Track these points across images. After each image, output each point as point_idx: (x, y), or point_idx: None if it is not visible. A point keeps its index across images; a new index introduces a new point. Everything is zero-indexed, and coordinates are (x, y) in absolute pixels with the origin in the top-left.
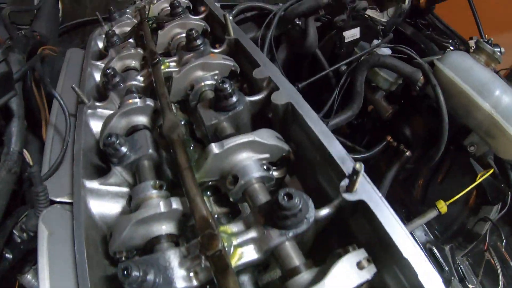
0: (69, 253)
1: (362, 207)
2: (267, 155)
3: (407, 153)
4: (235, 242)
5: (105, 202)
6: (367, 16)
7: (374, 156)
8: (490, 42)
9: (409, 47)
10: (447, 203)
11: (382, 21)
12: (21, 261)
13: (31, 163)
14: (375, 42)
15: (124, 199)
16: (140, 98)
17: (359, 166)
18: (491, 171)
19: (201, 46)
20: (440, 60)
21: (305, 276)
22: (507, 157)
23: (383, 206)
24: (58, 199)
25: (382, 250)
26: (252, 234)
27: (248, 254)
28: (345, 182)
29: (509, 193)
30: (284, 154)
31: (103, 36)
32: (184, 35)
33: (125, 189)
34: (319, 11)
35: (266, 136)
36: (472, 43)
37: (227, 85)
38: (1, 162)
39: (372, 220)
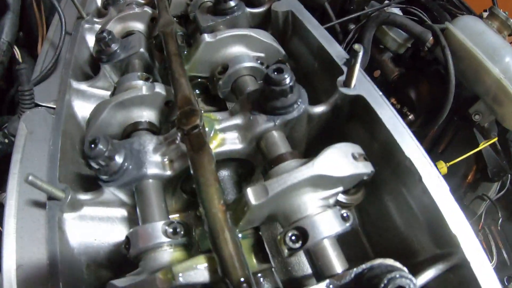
0: (46, 151)
1: (360, 105)
2: (262, 54)
3: (410, 117)
4: (217, 127)
5: (90, 105)
6: None
7: None
8: (505, 13)
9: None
10: (448, 164)
11: None
12: (1, 178)
13: (20, 60)
14: (387, 1)
15: None
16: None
17: (358, 47)
18: (495, 139)
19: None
20: (452, 23)
21: (292, 163)
22: None
23: (384, 104)
24: (44, 104)
25: (382, 159)
26: (237, 120)
27: (231, 141)
28: (342, 77)
29: (509, 175)
30: (280, 58)
31: None
32: None
33: None
34: None
35: (263, 35)
36: (485, 14)
37: None
38: None
39: (371, 119)
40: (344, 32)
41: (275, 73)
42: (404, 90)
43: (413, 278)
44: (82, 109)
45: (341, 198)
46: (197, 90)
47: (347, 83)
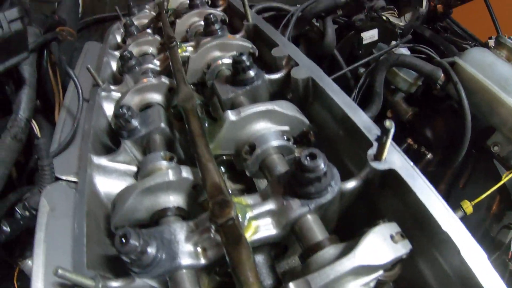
0: (69, 229)
1: (392, 177)
2: (286, 128)
3: (428, 156)
4: (250, 214)
5: (112, 180)
6: (385, 18)
7: None
8: (510, 38)
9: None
10: (473, 203)
11: (400, 25)
12: (22, 245)
13: (38, 134)
14: (394, 43)
15: (132, 178)
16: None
17: (390, 123)
18: None
19: (219, 30)
20: (461, 57)
21: (331, 251)
22: None
23: (416, 175)
24: (64, 177)
25: (416, 228)
26: (270, 205)
27: (265, 228)
28: (372, 150)
29: None
30: (304, 129)
31: (122, 30)
32: (202, 22)
33: (134, 168)
34: (336, 11)
35: (286, 107)
36: (491, 42)
37: (245, 57)
38: (7, 129)
39: (404, 192)
40: (355, 77)
41: (308, 159)
42: (420, 130)
43: None
44: (104, 184)
45: (380, 276)
46: (222, 168)
47: (378, 157)
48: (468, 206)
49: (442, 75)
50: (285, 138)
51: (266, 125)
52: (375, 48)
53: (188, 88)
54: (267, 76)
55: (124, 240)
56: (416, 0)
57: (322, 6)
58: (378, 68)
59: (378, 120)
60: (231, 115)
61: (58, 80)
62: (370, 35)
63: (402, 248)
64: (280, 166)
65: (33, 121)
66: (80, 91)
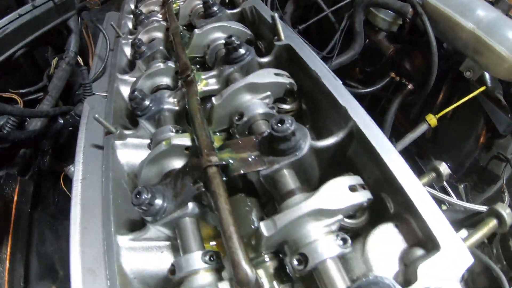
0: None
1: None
2: (268, 93)
3: (409, 86)
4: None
5: (133, 151)
6: None
7: (380, 90)
8: None
9: None
10: (437, 116)
11: None
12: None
13: (82, 64)
14: None
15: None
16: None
17: None
18: (483, 88)
19: (218, 11)
20: None
21: (297, 198)
22: (499, 74)
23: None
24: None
25: (382, 179)
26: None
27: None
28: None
29: None
30: (288, 87)
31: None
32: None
33: (147, 141)
34: None
35: (263, 76)
36: None
37: (234, 38)
38: (62, 58)
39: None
40: (339, 21)
41: (278, 123)
42: (401, 63)
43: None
44: (127, 156)
45: (346, 222)
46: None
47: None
48: (431, 118)
49: (411, 9)
50: (267, 104)
51: (249, 96)
52: None
53: (187, 60)
54: (258, 59)
55: (137, 196)
56: None
57: None
58: (356, 10)
59: (372, 64)
60: (214, 101)
61: (90, 37)
62: None
63: (360, 197)
64: (265, 127)
65: (78, 56)
66: (107, 41)
